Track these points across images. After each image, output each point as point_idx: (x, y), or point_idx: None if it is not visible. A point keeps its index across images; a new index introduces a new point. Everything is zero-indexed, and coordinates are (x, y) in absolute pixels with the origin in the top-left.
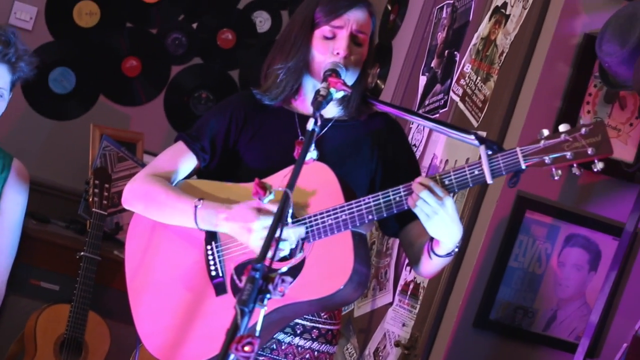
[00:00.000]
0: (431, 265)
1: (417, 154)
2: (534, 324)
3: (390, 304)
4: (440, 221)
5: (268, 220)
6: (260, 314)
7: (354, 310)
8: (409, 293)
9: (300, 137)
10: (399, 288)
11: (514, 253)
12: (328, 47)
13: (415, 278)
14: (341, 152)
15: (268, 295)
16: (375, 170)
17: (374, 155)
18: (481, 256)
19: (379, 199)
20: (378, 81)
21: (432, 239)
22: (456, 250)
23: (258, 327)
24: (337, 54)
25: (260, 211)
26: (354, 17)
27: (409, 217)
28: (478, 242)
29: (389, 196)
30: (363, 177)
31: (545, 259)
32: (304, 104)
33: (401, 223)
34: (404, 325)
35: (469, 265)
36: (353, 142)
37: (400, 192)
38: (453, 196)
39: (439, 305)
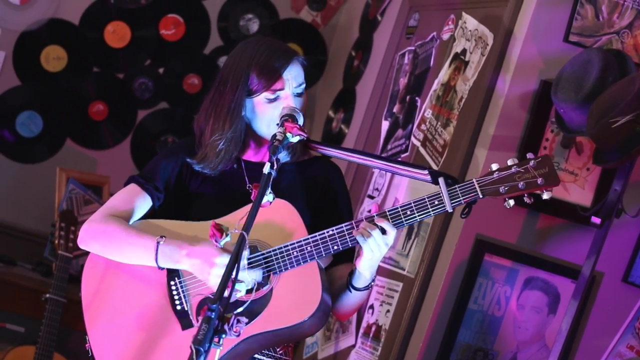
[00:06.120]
0: (349, 300)
1: (380, 198)
2: None
3: (353, 346)
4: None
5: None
6: (215, 354)
7: (318, 352)
8: (371, 335)
9: (248, 186)
10: (361, 330)
11: (473, 295)
12: (274, 108)
13: (377, 320)
14: (287, 195)
15: (224, 335)
16: (314, 213)
17: (312, 199)
18: (441, 299)
19: (342, 230)
20: (342, 126)
21: (351, 274)
22: (372, 284)
23: None
24: None
25: (224, 250)
26: (291, 75)
27: (342, 258)
28: (438, 285)
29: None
30: (307, 218)
31: (504, 301)
32: (247, 151)
33: (330, 263)
34: None
35: (429, 308)
36: (296, 185)
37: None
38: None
39: (400, 348)
